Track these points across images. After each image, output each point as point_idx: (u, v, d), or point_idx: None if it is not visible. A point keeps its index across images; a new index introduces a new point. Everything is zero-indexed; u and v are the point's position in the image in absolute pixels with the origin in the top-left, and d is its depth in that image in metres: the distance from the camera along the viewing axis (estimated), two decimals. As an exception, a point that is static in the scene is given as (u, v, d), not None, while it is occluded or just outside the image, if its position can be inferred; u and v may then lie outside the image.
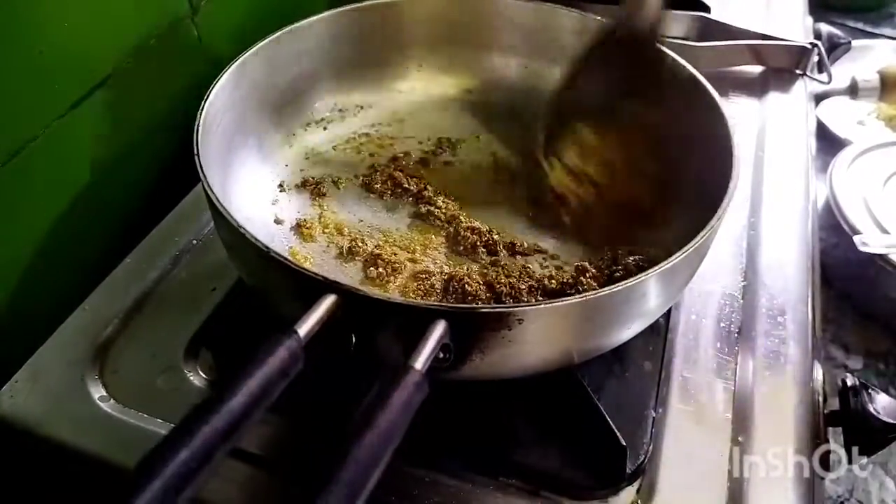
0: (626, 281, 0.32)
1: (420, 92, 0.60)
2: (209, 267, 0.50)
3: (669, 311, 0.45)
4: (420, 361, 0.28)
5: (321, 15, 0.54)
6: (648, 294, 0.35)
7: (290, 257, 0.37)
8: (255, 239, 0.34)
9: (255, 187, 0.51)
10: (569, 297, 0.32)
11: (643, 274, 0.33)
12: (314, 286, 0.31)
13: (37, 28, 0.44)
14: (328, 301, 0.30)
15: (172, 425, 0.40)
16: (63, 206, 0.49)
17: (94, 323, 0.46)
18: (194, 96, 0.60)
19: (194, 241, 0.52)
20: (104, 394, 0.42)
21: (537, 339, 0.33)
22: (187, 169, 0.58)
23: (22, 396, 0.42)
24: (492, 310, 0.31)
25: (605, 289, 0.32)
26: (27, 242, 0.47)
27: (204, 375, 0.44)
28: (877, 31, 1.26)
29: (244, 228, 0.35)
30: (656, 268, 0.33)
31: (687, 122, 0.47)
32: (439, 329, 0.29)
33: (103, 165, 0.52)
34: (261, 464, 0.39)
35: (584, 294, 0.32)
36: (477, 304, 0.41)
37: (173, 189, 0.57)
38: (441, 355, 0.30)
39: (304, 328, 0.29)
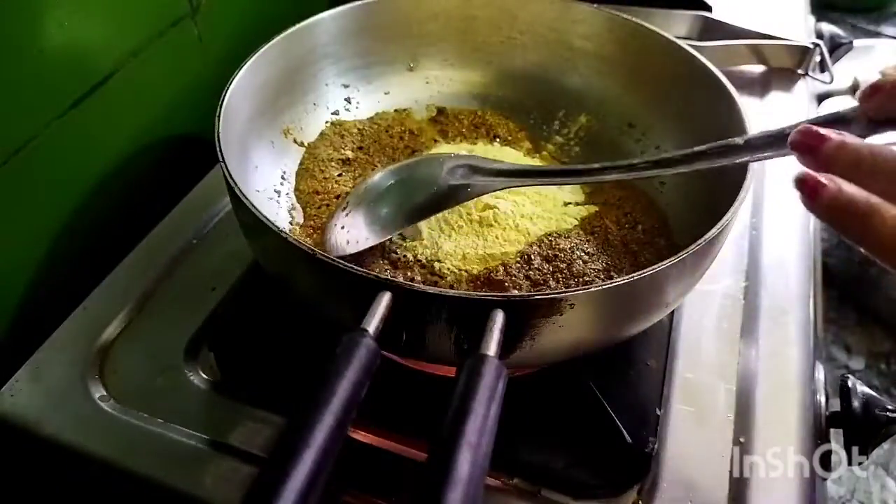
0: (672, 258, 0.32)
1: (427, 87, 0.60)
2: (209, 267, 0.50)
3: (672, 310, 0.45)
4: (492, 349, 0.28)
5: (332, 11, 0.53)
6: (685, 271, 0.36)
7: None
8: (300, 243, 0.33)
9: (267, 183, 0.50)
10: (618, 279, 0.32)
11: (684, 252, 0.33)
12: (369, 285, 0.31)
13: (36, 27, 0.44)
14: (385, 298, 0.30)
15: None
16: (63, 206, 0.49)
17: (94, 323, 0.46)
18: (194, 96, 0.60)
19: (194, 241, 0.52)
20: (104, 393, 0.42)
21: (584, 322, 0.33)
22: (187, 168, 0.58)
23: (22, 396, 0.42)
24: (546, 296, 0.31)
25: (652, 267, 0.32)
26: (27, 242, 0.47)
27: (204, 375, 0.44)
28: (879, 30, 1.26)
29: (285, 232, 0.33)
30: (699, 242, 0.33)
31: (702, 114, 0.46)
32: (500, 318, 0.30)
33: (103, 165, 0.52)
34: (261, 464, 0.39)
35: (631, 275, 0.32)
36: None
37: (173, 188, 0.57)
38: None
39: (372, 326, 0.29)
